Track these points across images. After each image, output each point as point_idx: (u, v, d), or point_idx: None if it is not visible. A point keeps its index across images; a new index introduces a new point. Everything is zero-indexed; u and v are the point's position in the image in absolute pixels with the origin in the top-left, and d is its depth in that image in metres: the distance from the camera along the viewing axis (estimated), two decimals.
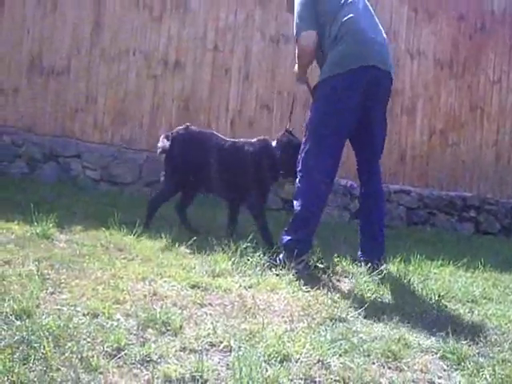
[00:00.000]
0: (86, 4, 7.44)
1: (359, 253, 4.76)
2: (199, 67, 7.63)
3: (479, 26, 8.29)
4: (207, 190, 5.63)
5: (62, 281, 3.57)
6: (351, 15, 4.56)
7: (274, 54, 7.73)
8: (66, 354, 2.63)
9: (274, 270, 4.32)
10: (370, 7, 4.84)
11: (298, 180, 4.57)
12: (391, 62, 4.75)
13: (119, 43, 7.52)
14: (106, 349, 2.75)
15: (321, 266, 4.52)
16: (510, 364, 3.14)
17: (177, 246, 4.72)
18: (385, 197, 5.08)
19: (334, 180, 4.66)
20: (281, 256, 4.46)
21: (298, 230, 4.48)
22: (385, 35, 4.77)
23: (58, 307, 3.15)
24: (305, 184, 4.50)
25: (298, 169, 4.56)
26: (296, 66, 4.99)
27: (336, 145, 4.55)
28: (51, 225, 4.70)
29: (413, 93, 8.00)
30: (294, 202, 4.55)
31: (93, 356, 2.65)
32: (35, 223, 4.67)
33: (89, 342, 2.79)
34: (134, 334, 2.99)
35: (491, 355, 3.27)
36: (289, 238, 4.48)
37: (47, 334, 2.74)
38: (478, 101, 8.27)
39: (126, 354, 2.73)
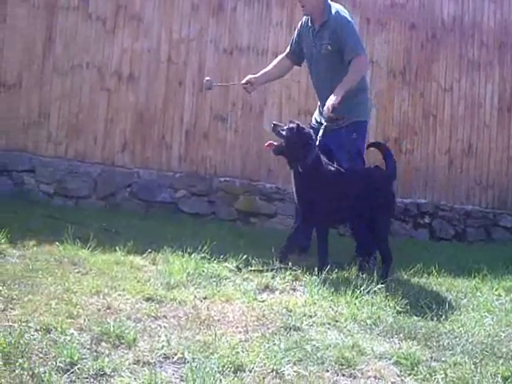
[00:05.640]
0: (38, 16, 7.37)
1: None
2: (153, 80, 7.61)
3: (430, 34, 8.43)
4: None
5: (14, 297, 3.52)
6: None
7: (227, 65, 7.74)
8: (17, 371, 2.60)
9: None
10: None
11: None
12: None
13: (72, 56, 7.45)
14: (58, 364, 2.73)
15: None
16: (461, 367, 3.19)
17: (131, 258, 4.70)
18: None
19: None
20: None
21: None
22: None
23: (10, 324, 3.11)
24: None
25: None
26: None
27: None
28: (3, 240, 4.65)
29: None
30: None
31: (45, 372, 2.63)
32: None
33: (41, 358, 2.77)
34: (88, 349, 2.96)
35: (443, 359, 3.32)
36: None
37: None
38: (430, 108, 8.39)
39: (78, 369, 2.71)
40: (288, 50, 6.01)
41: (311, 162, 4.96)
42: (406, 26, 8.32)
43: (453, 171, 8.39)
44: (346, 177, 5.18)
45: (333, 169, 5.13)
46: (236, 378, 2.76)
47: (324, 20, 5.53)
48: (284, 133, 5.04)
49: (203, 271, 4.39)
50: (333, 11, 5.52)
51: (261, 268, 4.78)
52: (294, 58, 5.98)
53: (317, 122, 5.76)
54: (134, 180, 7.46)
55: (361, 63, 5.47)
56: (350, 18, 5.59)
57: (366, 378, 3.01)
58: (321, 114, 5.71)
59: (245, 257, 4.85)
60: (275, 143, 5.09)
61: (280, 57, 6.13)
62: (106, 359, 2.83)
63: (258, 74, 5.99)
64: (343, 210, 5.18)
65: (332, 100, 5.21)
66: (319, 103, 5.84)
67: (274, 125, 5.14)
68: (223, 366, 2.87)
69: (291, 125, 5.06)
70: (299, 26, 5.88)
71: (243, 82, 5.96)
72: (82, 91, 7.47)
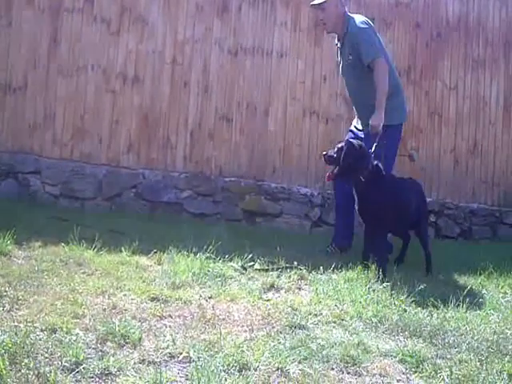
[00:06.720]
0: (43, 19, 7.40)
1: None
2: (158, 81, 7.63)
3: (435, 33, 8.41)
4: None
5: (20, 297, 3.53)
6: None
7: (232, 66, 7.75)
8: (23, 371, 2.60)
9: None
10: None
11: None
12: None
13: (77, 58, 7.48)
14: (64, 364, 2.73)
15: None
16: (467, 364, 3.18)
17: (137, 258, 4.72)
18: None
19: None
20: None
21: None
22: None
23: (15, 324, 3.12)
24: None
25: None
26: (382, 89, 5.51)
27: None
28: (9, 241, 4.65)
29: None
30: None
31: (50, 371, 2.63)
32: None
33: (46, 358, 2.77)
34: (93, 348, 2.97)
35: (449, 356, 3.31)
36: None
37: (3, 351, 2.72)
38: (435, 107, 8.38)
39: (84, 368, 2.72)
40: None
41: (372, 169, 5.05)
42: (411, 25, 8.30)
43: (458, 170, 8.38)
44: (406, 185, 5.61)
45: (394, 177, 5.42)
46: (241, 377, 2.76)
47: (344, 32, 5.74)
48: (336, 155, 5.07)
49: (208, 271, 4.41)
50: (351, 22, 5.70)
51: (266, 267, 4.80)
52: None
53: (356, 129, 5.96)
54: (140, 181, 7.48)
55: (380, 66, 5.56)
56: (365, 25, 5.69)
57: (371, 375, 3.00)
58: (360, 120, 5.91)
59: (250, 256, 4.88)
60: (333, 172, 5.11)
61: None
62: (112, 359, 2.83)
63: None
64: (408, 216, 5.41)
65: (376, 118, 5.40)
66: (355, 110, 6.06)
67: (324, 155, 5.18)
68: (228, 365, 2.87)
69: (339, 145, 5.12)
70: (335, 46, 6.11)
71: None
72: (87, 93, 7.49)
